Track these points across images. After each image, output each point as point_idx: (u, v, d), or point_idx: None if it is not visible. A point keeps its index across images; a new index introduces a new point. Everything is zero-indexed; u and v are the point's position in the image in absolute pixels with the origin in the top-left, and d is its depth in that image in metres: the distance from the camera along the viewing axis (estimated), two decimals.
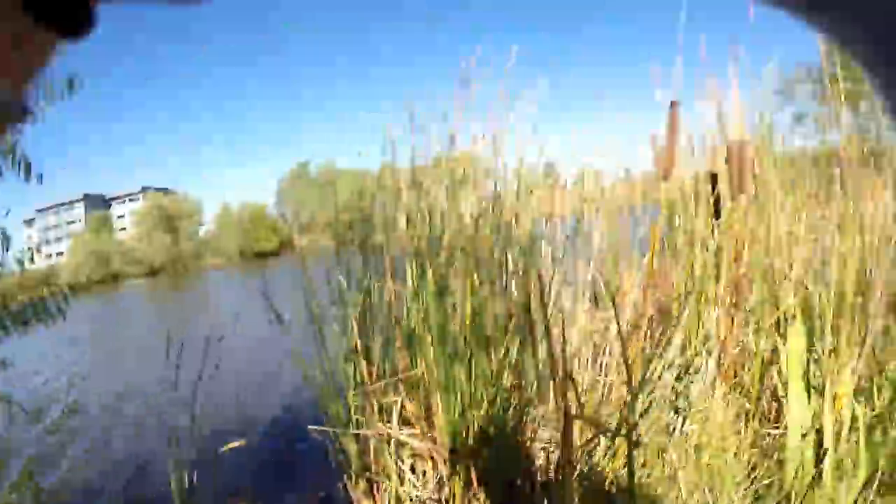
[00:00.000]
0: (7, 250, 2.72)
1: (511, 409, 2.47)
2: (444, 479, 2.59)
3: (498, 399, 2.43)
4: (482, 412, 2.44)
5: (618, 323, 2.03)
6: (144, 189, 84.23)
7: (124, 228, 78.98)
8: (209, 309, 23.63)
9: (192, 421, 2.64)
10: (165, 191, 78.86)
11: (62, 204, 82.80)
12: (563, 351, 1.78)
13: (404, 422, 2.76)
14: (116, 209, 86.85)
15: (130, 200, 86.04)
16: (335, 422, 2.78)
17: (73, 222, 79.91)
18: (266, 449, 5.68)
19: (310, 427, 2.81)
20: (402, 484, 2.68)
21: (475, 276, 2.51)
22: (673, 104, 1.73)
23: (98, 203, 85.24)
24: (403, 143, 2.96)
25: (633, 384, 1.98)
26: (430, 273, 2.49)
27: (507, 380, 2.47)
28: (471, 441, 2.45)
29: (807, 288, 2.60)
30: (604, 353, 2.51)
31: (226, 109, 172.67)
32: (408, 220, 2.83)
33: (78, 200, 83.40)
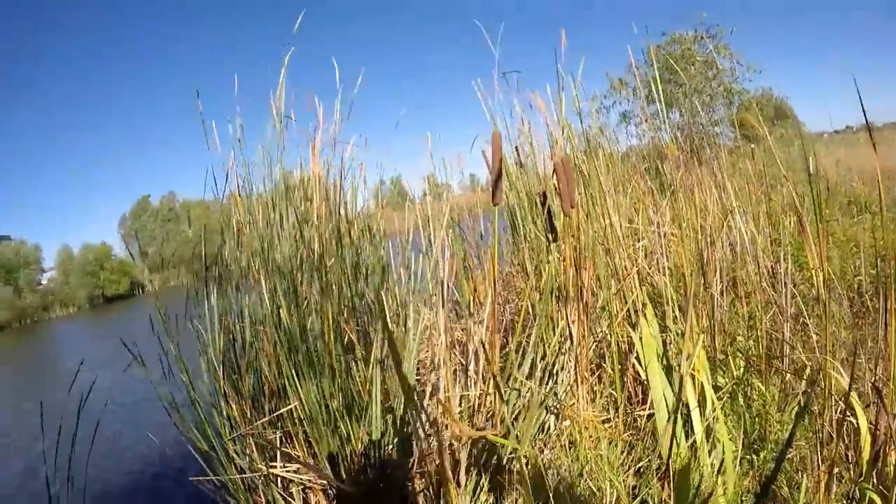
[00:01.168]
0: None
1: (388, 429, 2.48)
2: None
3: (374, 421, 2.43)
4: (360, 436, 2.44)
5: (491, 327, 2.10)
6: None
7: None
8: (66, 364, 21.93)
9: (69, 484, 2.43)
10: None
11: None
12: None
13: (287, 457, 2.70)
14: None
15: None
16: (216, 468, 2.66)
17: None
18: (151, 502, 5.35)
19: (191, 478, 2.68)
20: None
21: (330, 302, 2.51)
22: (495, 135, 1.83)
23: None
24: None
25: (503, 390, 2.07)
26: (284, 306, 2.48)
27: (378, 400, 2.49)
28: (354, 466, 2.43)
29: (651, 276, 2.83)
30: (467, 362, 2.58)
31: (50, 144, 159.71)
32: (258, 251, 2.77)
33: None
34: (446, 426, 1.69)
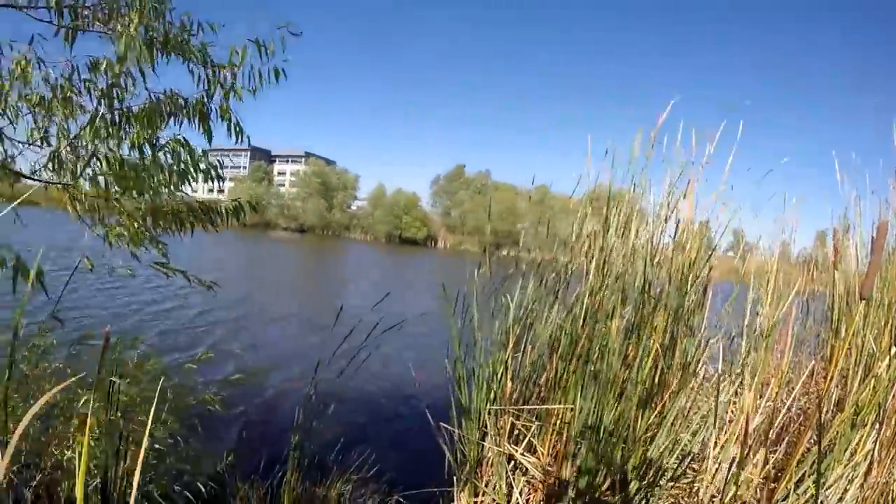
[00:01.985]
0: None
1: (640, 472, 2.52)
2: None
3: (630, 459, 2.49)
4: (615, 463, 2.52)
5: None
6: (308, 154, 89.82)
7: (283, 185, 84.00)
8: (356, 279, 24.76)
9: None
10: (327, 160, 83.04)
11: (229, 149, 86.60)
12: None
13: (530, 448, 2.88)
14: (278, 166, 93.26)
15: (293, 161, 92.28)
16: (465, 425, 2.93)
17: (238, 168, 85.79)
18: (391, 428, 6.04)
19: (441, 423, 2.98)
20: (507, 502, 2.81)
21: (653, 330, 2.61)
22: (881, 227, 1.78)
23: (263, 157, 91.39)
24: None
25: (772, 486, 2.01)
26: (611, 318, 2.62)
27: (642, 443, 2.52)
28: (587, 489, 2.51)
29: None
30: (735, 437, 2.49)
31: (393, 99, 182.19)
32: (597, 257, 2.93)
33: (244, 150, 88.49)
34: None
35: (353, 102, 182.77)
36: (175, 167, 3.13)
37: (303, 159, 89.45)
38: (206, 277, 3.67)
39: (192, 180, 3.22)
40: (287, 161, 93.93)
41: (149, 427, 1.42)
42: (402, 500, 3.53)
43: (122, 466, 1.98)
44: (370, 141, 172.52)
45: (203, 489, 3.38)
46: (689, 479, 2.72)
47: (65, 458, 2.88)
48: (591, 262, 2.94)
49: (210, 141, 3.23)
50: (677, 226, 2.92)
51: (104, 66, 2.92)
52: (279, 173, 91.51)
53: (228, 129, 3.21)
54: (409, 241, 66.65)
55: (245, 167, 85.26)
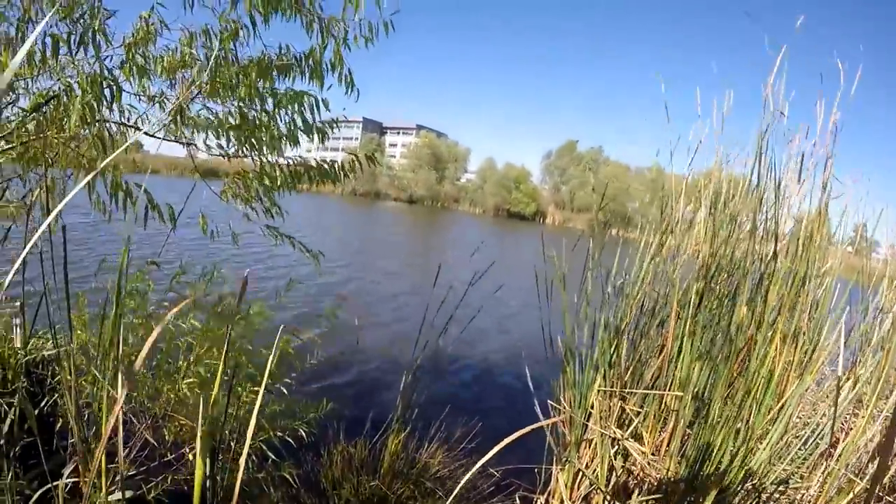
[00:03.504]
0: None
1: (746, 473, 2.38)
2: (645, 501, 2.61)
3: (737, 457, 2.35)
4: (716, 463, 2.40)
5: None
6: (419, 127, 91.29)
7: (394, 156, 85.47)
8: (468, 250, 25.20)
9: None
10: (438, 133, 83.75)
11: (342, 121, 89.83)
12: None
13: (636, 435, 2.78)
14: (390, 138, 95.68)
15: (404, 133, 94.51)
16: (570, 405, 2.87)
17: (349, 139, 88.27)
18: (495, 401, 6.09)
19: (550, 402, 2.94)
20: (605, 486, 2.73)
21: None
22: None
23: (375, 129, 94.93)
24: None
25: None
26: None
27: (752, 441, 2.38)
28: (691, 482, 2.39)
29: None
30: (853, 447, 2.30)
31: (508, 76, 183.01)
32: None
33: (357, 122, 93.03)
34: None
35: (465, 77, 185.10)
36: (294, 121, 3.21)
37: (414, 131, 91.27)
38: (321, 238, 3.74)
39: (309, 137, 3.27)
40: (398, 133, 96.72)
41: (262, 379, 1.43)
42: (495, 472, 3.53)
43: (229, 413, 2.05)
44: (482, 115, 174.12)
45: (305, 439, 3.48)
46: (796, 486, 2.56)
47: (174, 402, 3.04)
48: (705, 247, 2.80)
49: (322, 86, 3.30)
50: (795, 215, 2.73)
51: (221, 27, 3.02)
52: (391, 145, 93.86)
53: (339, 79, 3.22)
54: (517, 216, 65.88)
55: (357, 138, 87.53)
